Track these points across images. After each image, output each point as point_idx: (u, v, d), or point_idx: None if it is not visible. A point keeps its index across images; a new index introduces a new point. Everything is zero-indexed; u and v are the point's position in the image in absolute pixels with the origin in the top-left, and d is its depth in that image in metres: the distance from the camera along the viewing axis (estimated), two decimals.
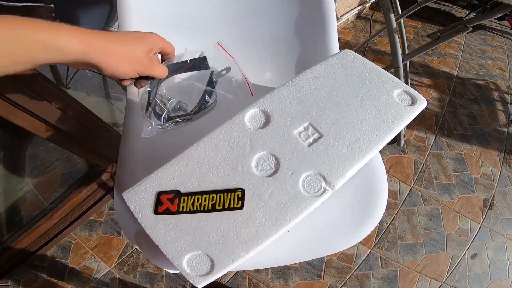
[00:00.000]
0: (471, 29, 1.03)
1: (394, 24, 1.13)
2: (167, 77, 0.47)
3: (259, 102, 0.40)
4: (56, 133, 0.77)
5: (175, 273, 0.40)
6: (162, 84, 0.52)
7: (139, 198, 0.34)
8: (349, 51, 0.46)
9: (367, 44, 1.64)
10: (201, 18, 0.63)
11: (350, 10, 2.17)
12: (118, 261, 1.16)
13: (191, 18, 0.63)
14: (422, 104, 0.40)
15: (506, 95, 1.96)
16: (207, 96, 0.53)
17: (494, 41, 2.55)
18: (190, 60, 0.50)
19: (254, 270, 1.16)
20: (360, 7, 2.27)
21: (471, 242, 1.31)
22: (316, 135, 0.37)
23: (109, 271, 1.14)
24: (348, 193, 0.51)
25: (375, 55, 2.03)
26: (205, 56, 0.52)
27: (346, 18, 2.16)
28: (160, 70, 0.42)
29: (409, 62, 1.98)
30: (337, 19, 2.06)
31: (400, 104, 0.40)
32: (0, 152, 1.27)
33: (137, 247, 0.43)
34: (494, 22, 2.77)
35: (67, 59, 0.30)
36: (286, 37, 0.65)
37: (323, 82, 0.42)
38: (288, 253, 0.47)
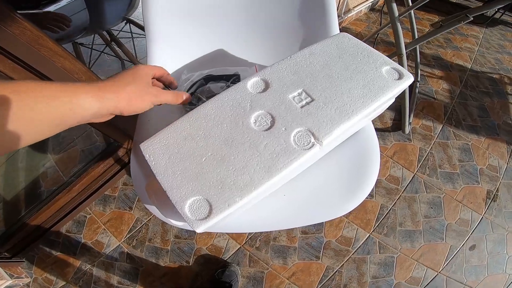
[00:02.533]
0: (472, 18, 1.05)
1: (396, 13, 1.15)
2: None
3: (260, 72, 0.46)
4: None
5: (178, 226, 0.45)
6: (201, 86, 0.63)
7: (153, 148, 0.40)
8: (345, 33, 0.51)
9: (377, 35, 1.64)
10: (215, 8, 0.69)
11: (363, 2, 2.16)
12: (128, 236, 1.22)
13: (206, 8, 0.68)
14: (408, 79, 0.44)
15: None
16: None
17: None
18: (226, 76, 0.63)
19: (255, 247, 1.20)
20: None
21: (471, 233, 1.30)
22: (308, 99, 0.42)
23: (118, 245, 1.21)
24: (341, 164, 0.55)
25: (386, 46, 2.02)
26: (239, 75, 0.63)
27: (359, 9, 2.14)
28: (170, 95, 0.44)
29: (420, 53, 1.96)
30: (349, 10, 2.06)
31: (387, 78, 0.44)
32: None
33: (146, 199, 0.49)
34: None
35: (89, 113, 0.33)
36: (290, 23, 0.70)
37: (318, 58, 0.47)
38: (283, 219, 0.51)
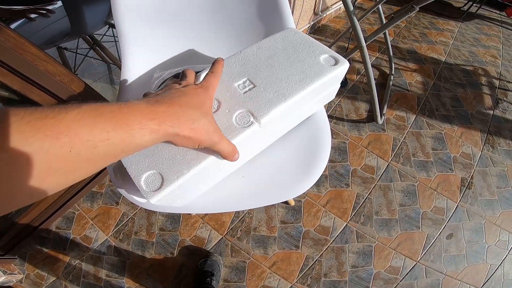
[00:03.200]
0: (418, 9, 1.10)
1: (351, 7, 1.19)
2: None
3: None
4: None
5: (141, 202, 0.48)
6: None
7: None
8: (292, 28, 0.57)
9: (351, 31, 1.67)
10: (181, 10, 0.74)
11: None
12: (115, 230, 1.25)
13: (173, 10, 0.74)
14: (343, 65, 0.49)
15: (495, 80, 1.96)
16: None
17: (491, 30, 2.54)
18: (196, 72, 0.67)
19: (236, 238, 1.22)
20: None
21: (447, 222, 1.32)
22: (251, 86, 0.46)
23: (106, 239, 1.23)
24: (296, 147, 0.60)
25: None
26: None
27: (338, 7, 2.19)
28: (228, 147, 0.38)
29: (395, 47, 2.02)
30: (327, 8, 2.10)
31: (324, 65, 0.49)
32: None
33: (113, 178, 0.53)
34: (494, 12, 2.76)
35: (142, 147, 0.28)
36: (251, 21, 0.75)
37: (264, 51, 0.52)
38: (242, 199, 0.55)
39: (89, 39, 1.42)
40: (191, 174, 0.38)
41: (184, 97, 0.33)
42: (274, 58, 0.50)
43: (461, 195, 1.40)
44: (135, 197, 0.47)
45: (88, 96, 0.93)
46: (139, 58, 0.72)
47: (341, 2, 2.17)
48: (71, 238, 1.24)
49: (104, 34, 1.47)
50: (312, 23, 2.00)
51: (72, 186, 1.22)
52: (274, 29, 0.71)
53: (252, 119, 0.42)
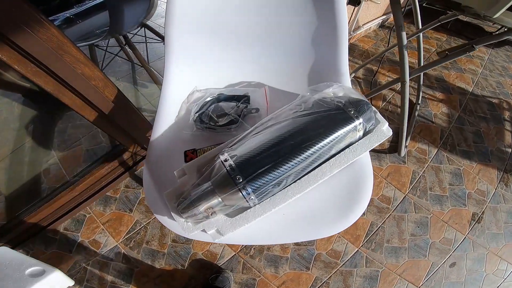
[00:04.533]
0: (477, 49, 1.08)
1: (405, 41, 1.19)
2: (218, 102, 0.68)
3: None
4: (93, 111, 0.89)
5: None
6: (212, 105, 0.70)
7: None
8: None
9: (384, 55, 1.70)
10: (235, 25, 0.75)
11: (373, 19, 2.20)
12: (126, 237, 1.27)
13: (224, 28, 0.75)
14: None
15: None
16: (233, 122, 0.69)
17: None
18: (238, 96, 0.70)
19: (249, 255, 1.27)
20: (385, 16, 2.29)
21: (453, 251, 1.38)
22: None
23: (116, 246, 1.25)
24: (336, 188, 0.60)
25: (391, 65, 2.06)
26: (249, 96, 0.71)
27: (368, 26, 2.19)
28: None
29: (423, 75, 2.03)
30: (359, 27, 2.10)
31: None
32: (29, 126, 1.39)
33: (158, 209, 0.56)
34: None
35: None
36: (302, 44, 0.76)
37: None
38: (280, 232, 0.56)
39: (121, 37, 1.44)
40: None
41: None
42: None
43: (470, 228, 1.46)
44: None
45: (119, 103, 0.92)
46: (181, 70, 0.73)
47: (373, 21, 2.19)
48: (79, 241, 1.25)
49: (136, 34, 1.48)
50: None
51: (87, 189, 1.23)
52: (325, 61, 0.74)
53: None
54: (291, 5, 0.71)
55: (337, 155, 0.51)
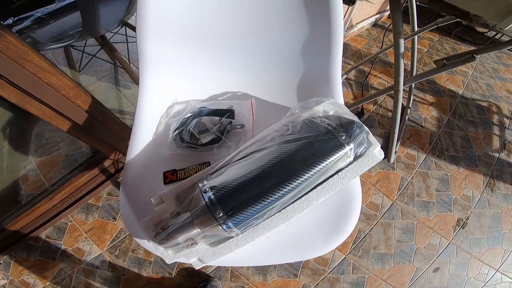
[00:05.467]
0: (478, 60, 1.03)
1: (402, 49, 1.13)
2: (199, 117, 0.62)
3: None
4: (66, 121, 0.83)
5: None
6: (194, 120, 0.64)
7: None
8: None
9: (376, 56, 1.67)
10: (218, 31, 0.68)
11: (367, 18, 2.16)
12: (110, 245, 1.24)
13: (203, 34, 0.68)
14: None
15: (506, 119, 1.98)
16: (216, 141, 0.64)
17: (510, 60, 2.51)
18: (221, 111, 0.64)
19: None
20: (378, 15, 2.25)
21: (437, 257, 1.41)
22: None
23: (100, 254, 1.23)
24: (324, 211, 0.58)
25: (384, 67, 2.04)
26: (233, 110, 0.65)
27: (362, 25, 2.15)
28: None
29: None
30: (352, 26, 2.06)
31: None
32: (6, 128, 1.30)
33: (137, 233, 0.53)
34: None
35: None
36: (292, 53, 0.71)
37: None
38: (264, 255, 0.55)
39: (100, 37, 1.35)
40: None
41: None
42: None
43: (455, 233, 1.49)
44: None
45: (95, 112, 0.86)
46: (158, 82, 0.67)
47: (366, 20, 2.14)
48: (62, 248, 1.22)
49: (116, 33, 1.38)
50: None
51: (67, 198, 1.19)
52: (316, 70, 0.69)
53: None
54: (281, 8, 0.65)
55: (325, 182, 0.48)
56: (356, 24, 2.08)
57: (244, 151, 0.50)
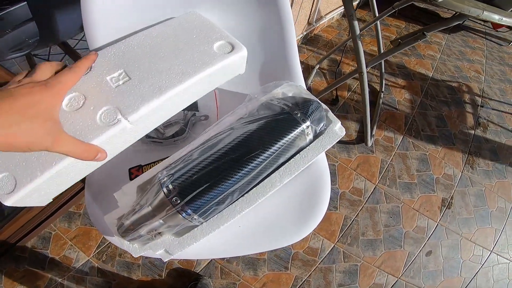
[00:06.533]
0: (428, 36, 1.07)
1: (358, 31, 1.16)
2: None
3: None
4: None
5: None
6: None
7: None
8: (195, 13, 0.54)
9: (346, 44, 1.67)
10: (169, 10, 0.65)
11: (336, 9, 2.19)
12: (97, 251, 1.21)
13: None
14: (240, 51, 0.47)
15: (477, 98, 2.04)
16: (179, 132, 0.63)
17: (475, 42, 2.61)
18: None
19: (226, 260, 1.23)
20: None
21: (427, 240, 1.40)
22: (125, 79, 0.42)
23: (88, 260, 1.20)
24: (294, 194, 0.58)
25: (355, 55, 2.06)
26: (196, 102, 0.64)
27: (331, 16, 2.18)
28: (75, 149, 0.35)
29: (385, 62, 2.04)
30: (321, 17, 2.08)
31: (217, 52, 0.46)
32: None
33: None
34: (479, 23, 2.82)
35: None
36: (248, 42, 0.69)
37: (151, 39, 0.48)
38: (237, 245, 0.54)
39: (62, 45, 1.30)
40: (45, 177, 0.36)
41: (6, 98, 0.29)
42: (161, 47, 0.46)
43: (441, 214, 1.48)
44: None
45: None
46: None
47: (335, 11, 2.18)
48: (49, 257, 1.20)
49: (81, 39, 1.32)
50: (305, 33, 1.98)
51: (48, 206, 1.17)
52: (276, 50, 0.70)
53: (119, 116, 0.39)
54: (234, 2, 0.66)
55: (287, 163, 0.47)
56: (325, 15, 2.10)
57: (202, 138, 0.50)
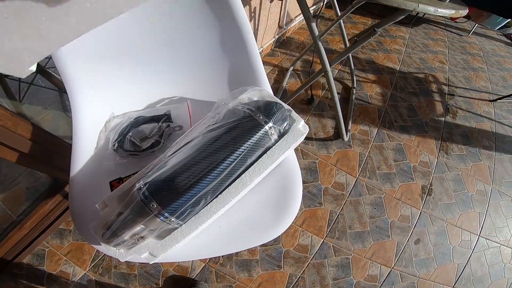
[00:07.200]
0: (379, 32, 1.11)
1: (317, 33, 1.19)
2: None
3: None
4: (12, 151, 0.82)
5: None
6: (131, 129, 0.66)
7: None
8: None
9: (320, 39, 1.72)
10: (138, 42, 0.70)
11: None
12: (92, 265, 1.21)
13: (124, 47, 0.69)
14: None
15: (444, 87, 2.14)
16: (155, 143, 0.66)
17: (437, 34, 2.74)
18: (157, 116, 0.67)
19: (219, 263, 1.24)
20: (315, 7, 2.36)
21: (413, 228, 1.43)
22: None
23: (85, 274, 1.19)
24: (268, 192, 0.60)
25: (327, 54, 2.10)
26: (169, 114, 0.67)
27: (301, 18, 2.23)
28: None
29: (355, 58, 2.11)
30: (291, 20, 2.14)
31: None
32: None
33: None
34: (439, 16, 2.96)
35: None
36: (214, 52, 0.74)
37: None
38: (220, 245, 0.56)
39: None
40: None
41: None
42: None
43: (423, 202, 1.52)
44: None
45: (39, 139, 0.87)
46: (90, 100, 0.67)
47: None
48: (47, 273, 1.20)
49: (51, 58, 1.34)
50: (277, 36, 2.02)
51: (36, 226, 1.19)
52: (240, 59, 0.73)
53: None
54: (193, 17, 0.70)
55: (256, 163, 0.51)
56: (294, 17, 2.15)
57: (175, 147, 0.54)
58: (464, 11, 0.92)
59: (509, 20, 2.80)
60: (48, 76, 1.36)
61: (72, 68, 0.63)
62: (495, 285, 1.39)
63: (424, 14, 2.77)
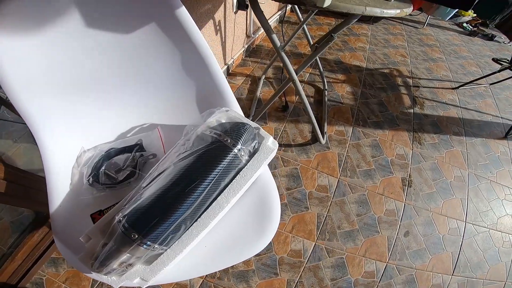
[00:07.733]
0: (336, 38, 1.13)
1: (278, 44, 1.18)
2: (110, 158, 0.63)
3: None
4: None
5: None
6: (104, 162, 0.65)
7: None
8: None
9: (283, 50, 1.74)
10: (92, 71, 0.69)
11: (270, 17, 2.28)
12: None
13: (90, 74, 0.68)
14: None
15: (408, 79, 2.23)
16: (130, 174, 0.67)
17: (395, 29, 2.86)
18: (129, 147, 0.67)
19: (217, 277, 1.22)
20: (280, 12, 2.39)
21: (400, 221, 1.47)
22: None
23: None
24: (247, 209, 0.62)
25: (296, 58, 2.16)
26: (141, 143, 0.68)
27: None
28: None
29: (324, 60, 2.15)
30: (258, 28, 2.16)
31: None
32: None
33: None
34: (385, 17, 3.10)
35: None
36: (178, 77, 0.76)
37: None
38: (208, 263, 0.57)
39: None
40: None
41: None
42: None
43: (405, 194, 1.57)
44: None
45: (13, 177, 0.87)
46: (58, 137, 0.66)
47: (270, 19, 2.25)
48: None
49: None
50: (246, 46, 2.03)
51: (28, 257, 1.18)
52: (205, 80, 0.74)
53: None
54: (146, 45, 0.71)
55: (230, 185, 0.53)
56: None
57: (149, 178, 0.56)
58: (409, 9, 0.96)
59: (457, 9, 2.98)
60: (12, 107, 1.29)
61: (29, 105, 0.63)
62: (494, 270, 1.43)
63: (359, 17, 2.87)
